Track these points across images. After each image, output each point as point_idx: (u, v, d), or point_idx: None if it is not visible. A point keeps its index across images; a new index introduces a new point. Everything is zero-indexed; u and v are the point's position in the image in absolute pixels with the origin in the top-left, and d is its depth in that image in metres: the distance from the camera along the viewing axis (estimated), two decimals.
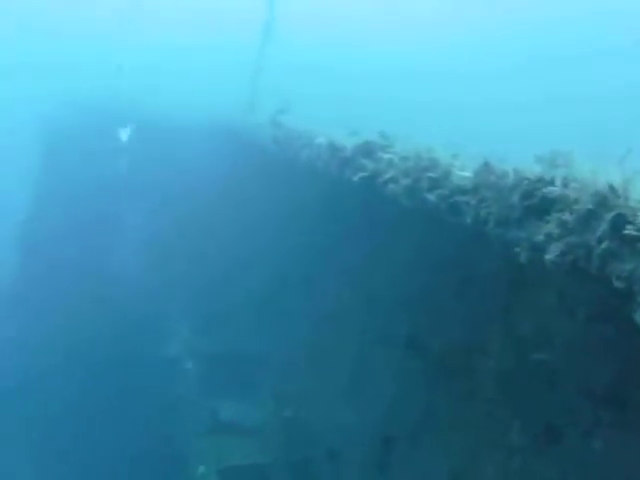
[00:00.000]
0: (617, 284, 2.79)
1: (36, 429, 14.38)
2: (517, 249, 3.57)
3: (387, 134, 8.12)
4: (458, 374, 5.87)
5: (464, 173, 4.36)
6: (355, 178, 5.80)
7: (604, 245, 2.92)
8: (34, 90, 21.09)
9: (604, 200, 3.04)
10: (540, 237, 3.33)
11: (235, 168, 13.11)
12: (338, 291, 9.23)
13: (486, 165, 4.11)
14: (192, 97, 16.86)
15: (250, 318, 12.99)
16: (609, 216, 2.94)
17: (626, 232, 2.82)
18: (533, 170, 3.62)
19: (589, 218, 3.03)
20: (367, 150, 5.95)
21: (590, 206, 3.02)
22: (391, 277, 6.15)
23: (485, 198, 3.99)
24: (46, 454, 13.90)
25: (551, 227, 3.32)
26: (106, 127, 16.33)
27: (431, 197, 4.53)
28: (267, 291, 12.64)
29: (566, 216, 3.27)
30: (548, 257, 3.22)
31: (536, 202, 3.50)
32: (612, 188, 3.06)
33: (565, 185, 3.45)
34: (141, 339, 14.24)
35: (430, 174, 4.67)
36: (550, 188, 3.48)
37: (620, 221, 2.88)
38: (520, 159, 3.96)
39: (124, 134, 16.50)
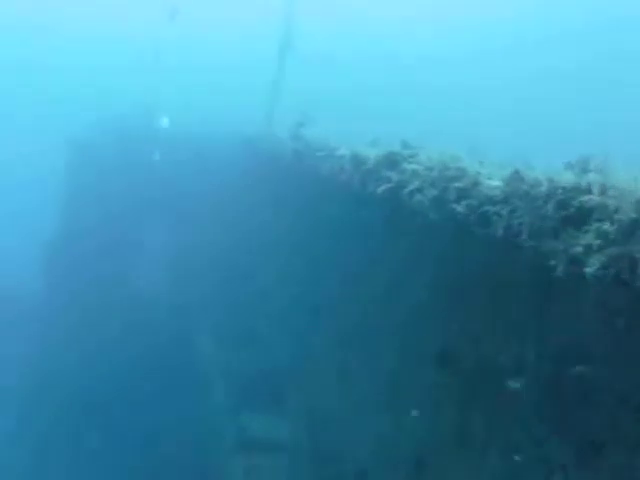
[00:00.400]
0: None
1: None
2: (553, 261, 3.37)
3: (410, 143, 8.05)
4: (492, 391, 5.64)
5: (494, 182, 4.17)
6: (379, 190, 5.64)
7: None
8: (64, 109, 21.35)
9: None
10: (578, 249, 3.13)
11: (257, 183, 13.06)
12: (366, 306, 9.05)
13: (516, 173, 3.92)
14: (217, 113, 16.94)
15: (280, 334, 12.88)
16: None
17: None
18: (566, 177, 3.43)
19: (633, 228, 2.82)
20: (391, 161, 5.79)
21: (634, 215, 2.82)
22: (419, 292, 5.94)
23: (517, 208, 3.80)
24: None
25: (590, 238, 3.12)
26: (134, 147, 16.45)
27: (459, 208, 4.34)
28: (296, 306, 12.52)
29: (607, 226, 3.07)
30: (589, 270, 3.01)
31: (573, 212, 3.30)
32: None
33: (603, 193, 3.25)
34: (170, 359, 14.21)
35: (457, 184, 4.49)
36: (587, 197, 3.28)
37: None
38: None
39: (153, 153, 16.59)
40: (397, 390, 8.36)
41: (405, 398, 7.95)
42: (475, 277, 4.60)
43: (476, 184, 4.34)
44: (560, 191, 3.39)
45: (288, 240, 11.58)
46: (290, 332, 12.53)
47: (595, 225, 3.14)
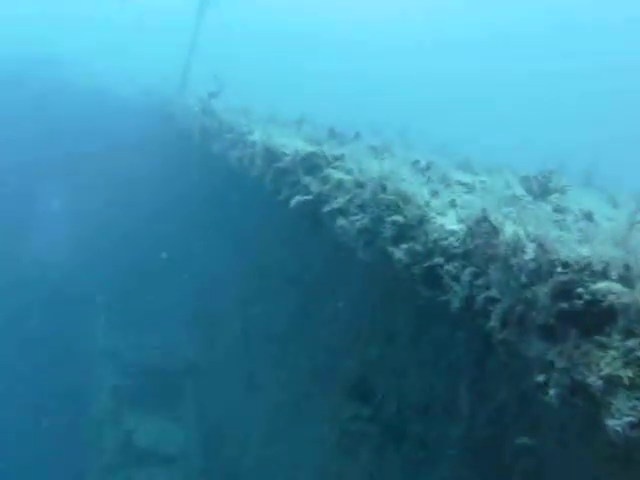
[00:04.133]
0: None
1: None
2: (540, 378, 2.15)
3: (336, 131, 6.71)
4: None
5: (449, 223, 2.91)
6: (294, 203, 4.28)
7: None
8: None
9: None
10: (593, 378, 1.91)
11: (161, 154, 11.39)
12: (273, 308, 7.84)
13: (484, 220, 2.65)
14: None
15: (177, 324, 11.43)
16: None
17: None
18: (578, 250, 2.19)
19: None
20: (311, 164, 4.43)
21: None
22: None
23: (483, 274, 2.55)
24: None
25: (609, 360, 1.90)
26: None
27: (398, 254, 3.06)
28: (199, 297, 11.10)
29: (632, 342, 1.88)
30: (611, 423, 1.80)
31: (581, 307, 2.07)
32: None
33: (628, 282, 2.04)
34: (52, 339, 12.45)
35: (397, 217, 3.20)
36: (604, 285, 2.06)
37: None
38: None
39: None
40: (304, 411, 7.26)
41: (311, 423, 6.87)
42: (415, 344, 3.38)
43: (423, 221, 3.07)
44: (560, 269, 2.15)
45: (186, 228, 10.12)
46: (194, 323, 11.12)
47: (617, 338, 1.94)
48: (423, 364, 4.56)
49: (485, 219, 2.61)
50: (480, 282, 2.53)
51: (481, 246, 2.53)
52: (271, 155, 5.09)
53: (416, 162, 5.88)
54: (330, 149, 5.33)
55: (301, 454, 6.60)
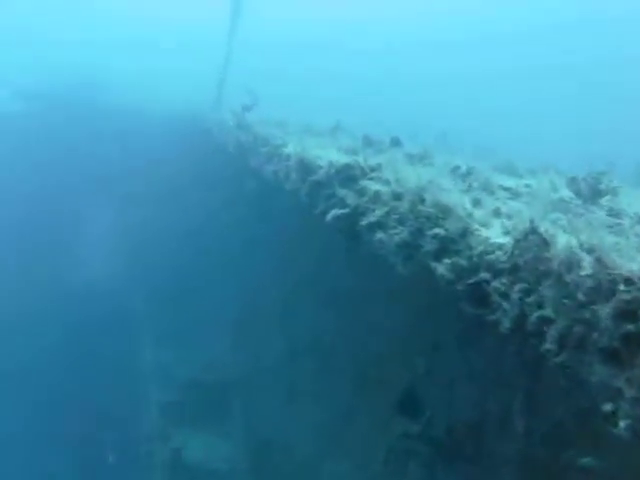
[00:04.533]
0: None
1: None
2: (607, 407, 1.94)
3: (373, 139, 6.54)
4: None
5: (496, 237, 2.71)
6: (329, 217, 4.14)
7: None
8: None
9: None
10: None
11: (202, 171, 11.41)
12: (319, 321, 7.71)
13: (533, 231, 2.45)
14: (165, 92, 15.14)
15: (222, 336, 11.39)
16: None
17: None
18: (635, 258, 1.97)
19: None
20: (346, 176, 4.27)
21: None
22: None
23: (534, 291, 2.35)
24: None
25: None
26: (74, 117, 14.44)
27: (441, 269, 2.88)
28: (241, 309, 11.05)
29: None
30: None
31: None
32: None
33: None
34: (101, 354, 12.59)
35: (438, 230, 3.02)
36: None
37: None
38: None
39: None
40: (352, 423, 7.09)
41: (360, 437, 6.70)
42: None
43: (466, 234, 2.88)
44: (622, 286, 1.94)
45: (227, 241, 10.08)
46: (236, 336, 11.07)
47: None
48: (473, 376, 4.35)
49: (534, 231, 2.41)
50: (532, 300, 2.32)
51: (531, 261, 2.33)
52: (306, 168, 4.96)
53: (456, 168, 5.67)
54: (366, 159, 5.18)
55: (347, 471, 6.44)
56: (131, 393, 11.03)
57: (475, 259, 2.71)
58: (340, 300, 6.59)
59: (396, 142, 6.54)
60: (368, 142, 6.48)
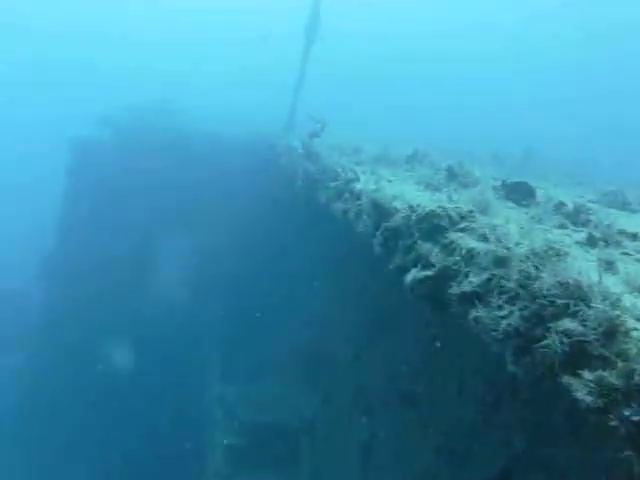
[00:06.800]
0: None
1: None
2: None
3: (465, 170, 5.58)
4: None
5: None
6: (409, 280, 3.23)
7: None
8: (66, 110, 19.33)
9: None
10: None
11: (272, 197, 10.77)
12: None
13: None
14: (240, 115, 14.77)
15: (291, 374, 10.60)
16: None
17: None
18: None
19: None
20: (431, 227, 3.36)
21: None
22: None
23: None
24: None
25: None
26: (141, 146, 14.19)
27: (579, 387, 1.92)
28: (309, 345, 10.24)
29: None
30: None
31: None
32: None
33: None
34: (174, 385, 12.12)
35: (569, 324, 2.06)
36: None
37: None
38: None
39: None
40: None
41: None
42: None
43: (616, 335, 1.91)
44: None
45: (298, 274, 9.30)
46: (306, 376, 10.24)
47: None
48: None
49: None
50: None
51: None
52: (380, 211, 4.08)
53: (560, 205, 4.63)
54: (450, 196, 4.25)
55: None
56: (197, 432, 10.43)
57: (638, 378, 1.74)
58: (423, 346, 5.66)
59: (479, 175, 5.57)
60: (452, 174, 5.54)
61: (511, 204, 4.73)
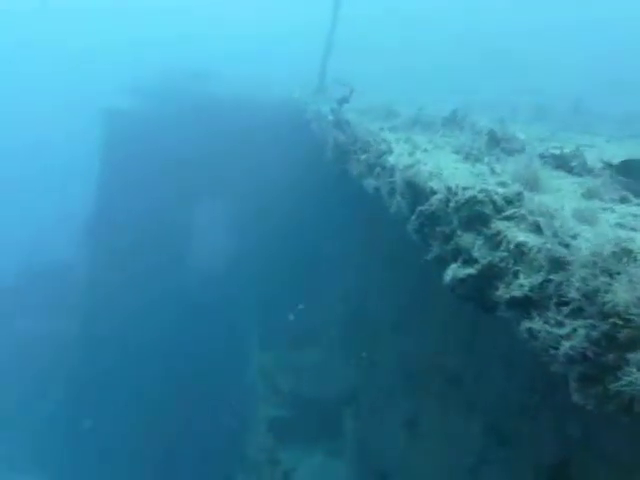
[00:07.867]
0: None
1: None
2: None
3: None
4: None
5: None
6: (447, 278, 2.81)
7: None
8: (99, 85, 19.06)
9: None
10: None
11: (304, 166, 10.31)
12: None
13: None
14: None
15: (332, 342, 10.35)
16: None
17: None
18: None
19: None
20: (472, 213, 2.91)
21: None
22: None
23: None
24: None
25: None
26: (172, 114, 13.83)
27: None
28: (349, 314, 9.93)
29: None
30: None
31: None
32: None
33: None
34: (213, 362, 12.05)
35: None
36: None
37: None
38: None
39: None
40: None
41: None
42: None
43: None
44: None
45: (335, 244, 8.92)
46: (345, 345, 9.96)
47: None
48: None
49: None
50: None
51: None
52: (414, 191, 3.63)
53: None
54: (493, 168, 3.75)
55: None
56: (237, 403, 10.36)
57: None
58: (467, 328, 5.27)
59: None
60: (493, 139, 4.99)
61: (562, 173, 4.19)
